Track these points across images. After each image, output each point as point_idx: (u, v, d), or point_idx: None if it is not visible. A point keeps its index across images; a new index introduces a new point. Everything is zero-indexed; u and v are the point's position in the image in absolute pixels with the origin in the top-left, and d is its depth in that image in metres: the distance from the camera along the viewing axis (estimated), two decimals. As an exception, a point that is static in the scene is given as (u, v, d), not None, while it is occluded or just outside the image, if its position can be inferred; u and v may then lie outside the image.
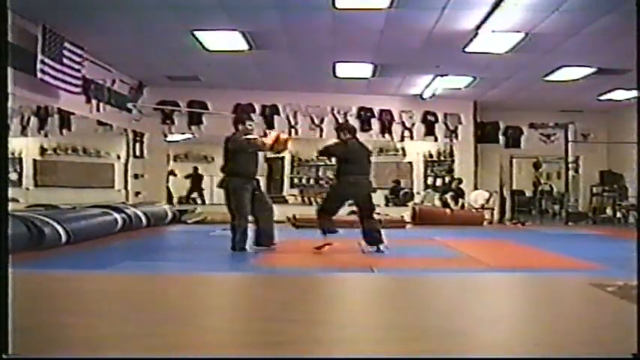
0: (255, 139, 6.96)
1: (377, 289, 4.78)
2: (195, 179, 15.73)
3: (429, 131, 13.57)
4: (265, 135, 7.09)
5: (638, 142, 2.25)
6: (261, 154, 7.59)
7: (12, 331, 2.06)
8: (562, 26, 7.60)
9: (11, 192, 2.26)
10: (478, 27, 7.68)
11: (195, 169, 15.84)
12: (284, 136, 7.39)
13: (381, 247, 6.82)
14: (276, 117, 13.10)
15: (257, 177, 7.02)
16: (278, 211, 12.17)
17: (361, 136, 13.26)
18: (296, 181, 15.10)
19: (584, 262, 6.25)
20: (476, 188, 13.49)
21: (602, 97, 12.37)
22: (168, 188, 13.65)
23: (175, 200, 13.96)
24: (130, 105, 11.46)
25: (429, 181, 14.33)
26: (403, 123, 13.45)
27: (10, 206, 2.15)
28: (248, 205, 6.76)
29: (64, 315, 3.21)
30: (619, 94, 11.96)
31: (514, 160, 15.36)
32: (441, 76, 10.91)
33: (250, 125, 7.06)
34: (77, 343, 2.67)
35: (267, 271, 5.66)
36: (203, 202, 14.77)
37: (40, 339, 2.63)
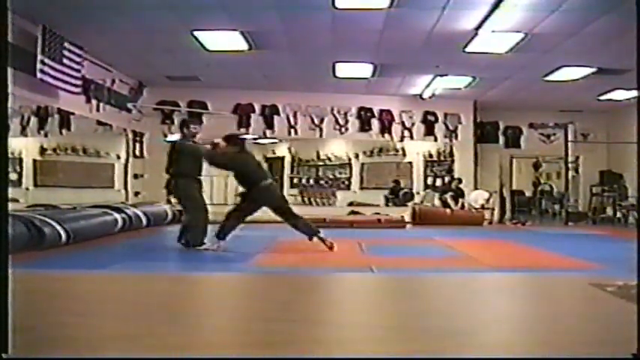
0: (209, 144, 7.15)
1: (377, 289, 4.79)
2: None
3: (429, 131, 13.58)
4: (215, 144, 7.16)
5: (638, 142, 2.25)
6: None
7: (12, 331, 2.05)
8: (562, 26, 7.60)
9: (11, 192, 2.26)
10: (478, 27, 7.68)
11: None
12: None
13: (320, 235, 6.92)
14: (275, 117, 13.11)
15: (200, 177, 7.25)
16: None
17: (361, 136, 13.53)
18: (296, 181, 15.10)
19: (584, 262, 6.25)
20: (476, 188, 13.49)
21: (602, 97, 12.37)
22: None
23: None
24: (129, 105, 11.46)
25: (429, 181, 14.32)
26: (403, 123, 13.45)
27: (10, 206, 2.15)
28: (201, 198, 7.09)
29: (64, 315, 3.21)
30: (619, 94, 11.96)
31: (514, 160, 15.38)
32: (441, 76, 10.92)
33: (195, 128, 7.27)
34: (77, 343, 2.67)
35: (267, 271, 5.65)
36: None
37: (40, 339, 2.63)
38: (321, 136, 13.33)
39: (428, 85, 11.75)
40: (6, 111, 2.08)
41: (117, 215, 8.76)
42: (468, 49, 8.71)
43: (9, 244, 2.08)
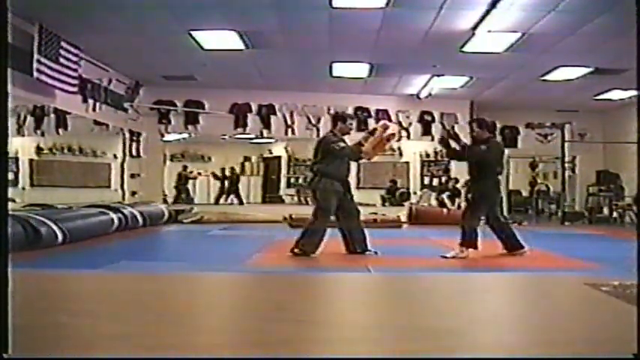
0: (344, 146, 6.38)
1: (374, 289, 4.79)
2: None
3: (426, 131, 13.59)
4: (372, 133, 6.27)
5: (638, 142, 2.26)
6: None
7: (12, 331, 2.05)
8: (558, 26, 7.62)
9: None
10: (475, 27, 7.69)
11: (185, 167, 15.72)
12: (391, 130, 6.46)
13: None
14: (272, 117, 13.11)
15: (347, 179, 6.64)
16: (275, 211, 12.28)
17: (358, 136, 13.38)
18: (292, 180, 15.09)
19: (579, 261, 6.27)
20: (473, 188, 13.47)
21: (599, 97, 12.40)
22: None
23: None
24: (126, 104, 11.44)
25: (426, 180, 14.34)
26: (400, 123, 13.45)
27: (9, 206, 2.15)
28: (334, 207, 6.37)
29: (62, 315, 3.20)
30: (615, 94, 11.99)
31: (511, 160, 15.37)
32: (438, 75, 10.93)
33: (350, 125, 6.65)
34: (77, 343, 2.66)
35: (266, 271, 5.65)
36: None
37: (40, 339, 2.63)
38: (318, 135, 13.28)
39: (425, 85, 11.76)
40: (6, 111, 2.08)
41: (113, 215, 8.75)
42: (464, 49, 8.72)
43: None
